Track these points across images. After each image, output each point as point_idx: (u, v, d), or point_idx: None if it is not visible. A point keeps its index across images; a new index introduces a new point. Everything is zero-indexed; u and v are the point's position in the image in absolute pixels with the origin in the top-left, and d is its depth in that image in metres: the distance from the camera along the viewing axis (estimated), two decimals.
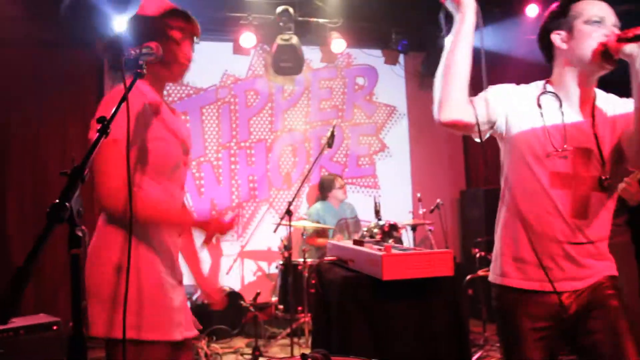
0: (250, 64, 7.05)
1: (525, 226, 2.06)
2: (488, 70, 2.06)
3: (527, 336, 2.05)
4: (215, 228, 2.07)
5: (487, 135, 2.17)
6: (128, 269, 1.79)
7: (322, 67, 7.40)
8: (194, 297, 5.92)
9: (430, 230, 6.12)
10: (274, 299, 5.87)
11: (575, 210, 2.03)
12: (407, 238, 6.41)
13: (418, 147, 7.66)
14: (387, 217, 5.37)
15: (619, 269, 3.47)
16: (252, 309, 5.56)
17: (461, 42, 2.00)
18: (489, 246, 5.88)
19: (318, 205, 6.22)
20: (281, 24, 6.43)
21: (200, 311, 5.75)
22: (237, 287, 6.44)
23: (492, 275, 2.20)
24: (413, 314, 2.94)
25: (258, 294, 5.81)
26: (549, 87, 2.13)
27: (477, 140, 2.11)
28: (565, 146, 2.02)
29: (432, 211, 6.31)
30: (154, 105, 2.08)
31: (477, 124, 2.05)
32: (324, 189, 6.31)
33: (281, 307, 5.67)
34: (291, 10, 6.39)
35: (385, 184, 7.49)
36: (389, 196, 7.10)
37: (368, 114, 7.55)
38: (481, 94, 2.12)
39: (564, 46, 2.07)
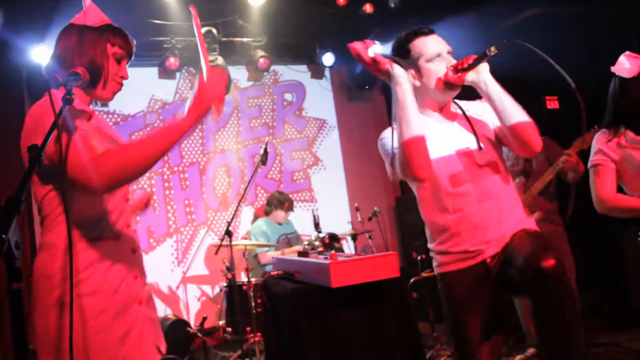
0: (177, 88, 6.98)
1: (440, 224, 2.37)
2: None
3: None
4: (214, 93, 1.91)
5: None
6: (71, 308, 1.70)
7: (250, 85, 7.41)
8: None
9: (370, 238, 6.18)
10: (221, 322, 5.78)
11: (478, 196, 2.26)
12: (349, 248, 6.47)
13: (351, 158, 7.74)
14: (327, 229, 5.41)
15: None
16: (199, 334, 5.46)
17: (407, 112, 2.19)
18: (428, 248, 5.98)
19: (260, 222, 6.18)
20: (205, 45, 6.39)
21: None
22: (182, 315, 6.32)
23: None
24: (365, 320, 2.96)
25: (205, 319, 5.71)
26: None
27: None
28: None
29: (370, 219, 6.38)
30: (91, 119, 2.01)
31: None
32: (272, 205, 6.23)
33: (229, 329, 5.59)
34: (215, 31, 6.38)
35: (322, 197, 7.52)
36: (326, 208, 7.13)
37: (299, 129, 7.59)
38: None
39: (417, 83, 2.35)
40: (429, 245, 2.47)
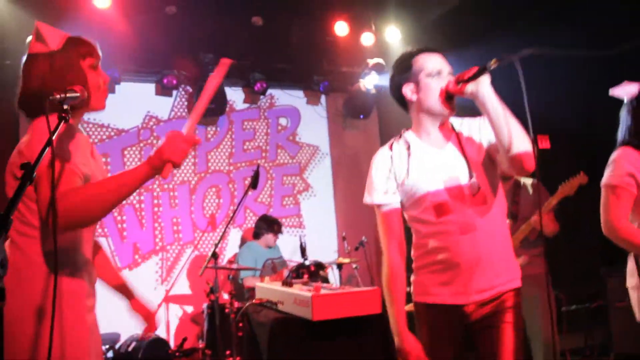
0: (172, 105, 7.00)
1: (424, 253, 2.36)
2: None
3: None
4: (173, 150, 1.83)
5: None
6: (53, 316, 1.67)
7: (245, 107, 7.43)
8: (117, 346, 5.71)
9: (356, 267, 6.17)
10: (201, 343, 5.73)
11: (462, 229, 2.26)
12: (334, 276, 6.44)
13: (341, 186, 7.76)
14: (313, 257, 5.40)
15: (536, 301, 3.66)
16: (178, 355, 5.41)
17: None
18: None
19: (249, 245, 6.16)
20: (204, 65, 6.44)
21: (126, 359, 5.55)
22: (162, 334, 6.26)
23: None
24: (345, 354, 2.96)
25: (185, 340, 5.67)
26: (406, 134, 2.46)
27: None
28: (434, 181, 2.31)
29: (357, 249, 6.38)
30: (88, 144, 2.02)
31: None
32: (260, 228, 6.23)
33: (209, 351, 5.54)
34: (214, 52, 6.41)
35: (310, 223, 7.52)
36: (314, 235, 7.12)
37: (291, 154, 7.61)
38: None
39: (414, 98, 2.37)
40: (413, 266, 2.46)
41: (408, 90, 2.36)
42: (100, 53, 2.11)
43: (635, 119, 2.83)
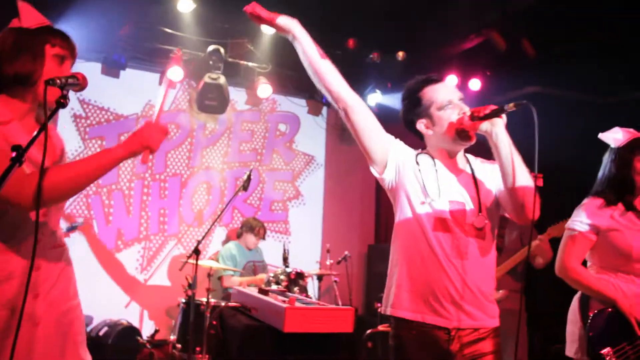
0: (174, 98, 7.02)
1: (410, 267, 2.28)
2: None
3: None
4: (152, 137, 1.93)
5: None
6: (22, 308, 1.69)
7: (246, 109, 7.46)
8: (89, 329, 5.71)
9: (335, 281, 6.20)
10: (173, 337, 5.73)
11: (454, 252, 2.23)
12: (313, 287, 6.47)
13: (332, 199, 7.78)
14: (295, 265, 5.42)
15: (510, 337, 3.66)
16: (148, 345, 5.40)
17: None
18: None
19: (231, 245, 6.18)
20: (211, 62, 6.47)
21: (94, 344, 5.54)
22: (135, 322, 6.25)
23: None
24: None
25: (157, 331, 5.66)
26: (424, 156, 2.39)
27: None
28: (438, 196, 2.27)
29: (339, 262, 6.41)
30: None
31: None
32: (244, 227, 6.25)
33: (179, 345, 5.53)
34: (222, 50, 6.44)
35: (296, 231, 7.54)
36: (298, 244, 7.15)
37: (286, 160, 7.63)
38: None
39: (429, 132, 2.35)
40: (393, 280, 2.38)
41: (422, 125, 2.35)
42: (75, 52, 2.09)
43: (617, 169, 2.93)
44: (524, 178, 2.16)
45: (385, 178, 2.35)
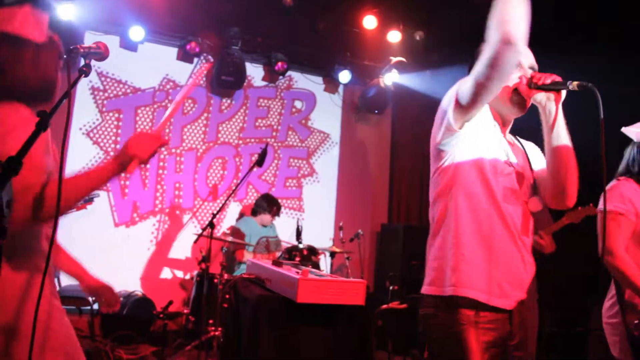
0: (191, 72, 7.04)
1: (480, 244, 2.03)
2: None
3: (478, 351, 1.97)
4: (140, 146, 1.89)
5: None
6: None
7: (263, 85, 7.48)
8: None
9: (347, 258, 6.24)
10: (186, 309, 5.82)
11: (523, 228, 2.08)
12: (325, 263, 6.52)
13: (346, 177, 7.81)
14: (308, 241, 5.46)
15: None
16: (162, 316, 5.49)
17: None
18: (402, 280, 6.05)
19: (246, 220, 6.24)
20: (229, 38, 6.48)
21: (109, 314, 5.65)
22: (150, 294, 6.35)
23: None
24: (323, 339, 3.02)
25: (170, 303, 5.75)
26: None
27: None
28: (510, 163, 2.11)
29: (351, 240, 6.45)
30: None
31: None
32: (259, 206, 6.29)
33: (192, 318, 5.63)
34: (240, 26, 6.45)
35: (309, 209, 7.59)
36: (311, 221, 7.20)
37: (302, 137, 7.66)
38: None
39: None
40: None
41: None
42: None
43: None
44: (571, 163, 2.05)
45: (459, 133, 2.05)
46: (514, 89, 2.08)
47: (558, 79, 1.99)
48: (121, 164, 1.88)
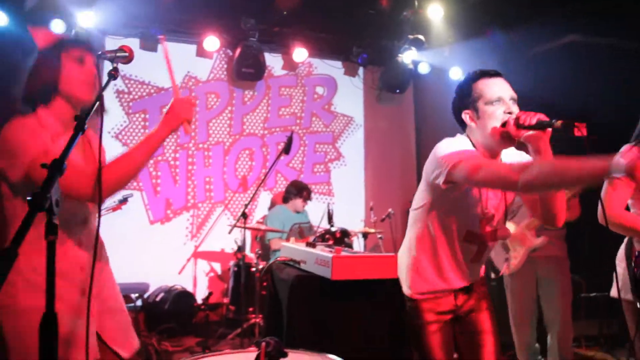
0: (212, 67, 7.15)
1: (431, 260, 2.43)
2: None
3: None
4: (185, 110, 2.12)
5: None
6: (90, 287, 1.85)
7: (283, 74, 7.55)
8: (146, 295, 5.98)
9: (380, 238, 6.31)
10: (226, 299, 5.96)
11: (475, 257, 2.43)
12: (359, 245, 6.60)
13: (373, 158, 7.88)
14: (340, 224, 5.54)
15: (554, 283, 3.73)
16: (203, 308, 5.63)
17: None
18: None
19: (278, 209, 6.32)
20: (245, 30, 6.56)
21: (152, 309, 5.82)
22: (189, 287, 6.51)
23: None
24: (358, 313, 3.11)
25: (210, 294, 5.90)
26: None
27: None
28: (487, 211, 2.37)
29: (382, 220, 6.51)
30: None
31: None
32: (289, 193, 6.37)
33: (232, 307, 5.76)
34: (256, 17, 6.52)
35: (339, 192, 7.67)
36: (342, 204, 7.27)
37: (326, 122, 7.73)
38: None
39: (473, 125, 2.30)
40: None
41: (467, 117, 2.31)
42: (91, 47, 2.22)
43: None
44: (560, 194, 2.23)
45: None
46: (503, 130, 2.20)
47: (543, 117, 2.09)
48: (173, 129, 2.10)
